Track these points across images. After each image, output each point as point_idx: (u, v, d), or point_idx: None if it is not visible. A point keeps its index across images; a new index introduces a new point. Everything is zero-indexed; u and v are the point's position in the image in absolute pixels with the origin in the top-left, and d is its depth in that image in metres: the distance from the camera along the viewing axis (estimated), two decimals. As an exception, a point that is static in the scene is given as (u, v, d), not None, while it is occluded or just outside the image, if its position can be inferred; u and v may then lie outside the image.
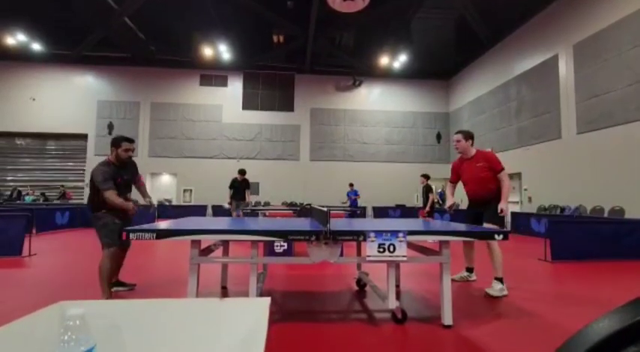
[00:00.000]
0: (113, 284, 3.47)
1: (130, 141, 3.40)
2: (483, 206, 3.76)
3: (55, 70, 16.40)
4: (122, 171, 3.36)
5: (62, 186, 15.97)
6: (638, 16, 8.38)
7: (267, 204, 15.77)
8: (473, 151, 3.88)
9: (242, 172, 8.76)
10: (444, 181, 17.95)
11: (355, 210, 8.44)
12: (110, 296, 3.15)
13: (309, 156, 17.47)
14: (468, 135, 3.90)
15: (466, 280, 4.13)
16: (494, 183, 3.73)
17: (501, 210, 3.59)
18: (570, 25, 10.44)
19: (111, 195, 3.14)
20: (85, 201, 3.55)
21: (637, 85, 8.36)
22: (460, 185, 4.11)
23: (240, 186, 8.64)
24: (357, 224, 3.35)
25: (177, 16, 12.90)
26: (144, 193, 3.76)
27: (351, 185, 13.30)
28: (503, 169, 3.74)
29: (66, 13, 12.44)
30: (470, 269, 4.18)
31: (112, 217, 3.22)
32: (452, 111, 17.91)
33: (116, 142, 3.33)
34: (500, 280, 3.55)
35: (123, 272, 3.59)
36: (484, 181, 3.73)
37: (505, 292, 3.49)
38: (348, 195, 13.29)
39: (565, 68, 10.57)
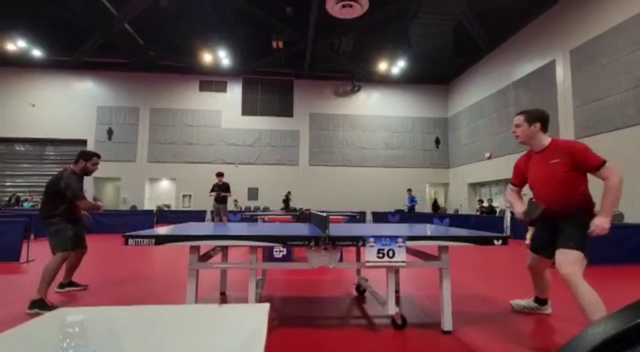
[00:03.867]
0: (66, 284, 3.60)
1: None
2: (561, 221, 2.52)
3: (55, 76, 16.46)
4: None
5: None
6: (636, 22, 8.46)
7: (266, 209, 15.75)
8: (545, 141, 2.60)
9: (220, 175, 8.64)
10: (443, 187, 17.97)
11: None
12: (46, 296, 3.06)
13: (308, 161, 17.49)
14: (535, 117, 2.58)
15: (533, 311, 3.01)
16: (581, 189, 2.48)
17: (594, 229, 2.40)
18: (567, 31, 10.52)
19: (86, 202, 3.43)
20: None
21: (635, 89, 8.41)
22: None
23: (220, 190, 8.50)
24: (357, 229, 3.34)
25: (176, 22, 12.98)
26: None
27: (409, 190, 14.58)
28: (603, 163, 2.44)
29: (66, 18, 12.50)
30: (540, 301, 3.01)
31: (65, 224, 3.34)
32: (450, 116, 17.97)
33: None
34: None
35: (120, 274, 3.57)
36: (561, 185, 2.47)
37: None
38: (411, 199, 14.53)
39: (562, 73, 10.64)
